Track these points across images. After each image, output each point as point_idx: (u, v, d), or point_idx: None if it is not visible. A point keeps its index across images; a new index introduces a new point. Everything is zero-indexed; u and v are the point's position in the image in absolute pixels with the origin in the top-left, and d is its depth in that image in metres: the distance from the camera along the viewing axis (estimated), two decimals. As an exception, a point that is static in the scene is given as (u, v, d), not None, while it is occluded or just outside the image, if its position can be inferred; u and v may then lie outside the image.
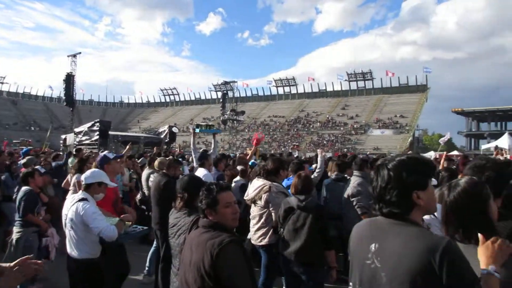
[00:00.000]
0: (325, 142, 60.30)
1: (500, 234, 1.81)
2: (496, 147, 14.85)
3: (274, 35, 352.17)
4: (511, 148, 26.85)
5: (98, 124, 21.36)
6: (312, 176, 6.26)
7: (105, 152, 5.12)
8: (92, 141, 21.05)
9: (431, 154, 17.13)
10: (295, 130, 69.37)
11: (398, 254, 1.59)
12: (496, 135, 52.57)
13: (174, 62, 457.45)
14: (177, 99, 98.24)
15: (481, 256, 1.68)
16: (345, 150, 50.24)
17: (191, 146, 8.72)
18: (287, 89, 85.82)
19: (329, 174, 7.62)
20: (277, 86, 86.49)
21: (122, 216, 4.18)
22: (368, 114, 68.48)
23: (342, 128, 65.71)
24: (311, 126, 69.75)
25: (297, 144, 24.89)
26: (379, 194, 1.73)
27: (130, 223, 4.27)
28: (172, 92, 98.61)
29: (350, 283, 1.80)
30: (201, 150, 8.52)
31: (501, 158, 9.62)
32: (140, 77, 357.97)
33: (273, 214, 4.61)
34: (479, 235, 1.73)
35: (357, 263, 1.77)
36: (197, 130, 12.77)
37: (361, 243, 1.77)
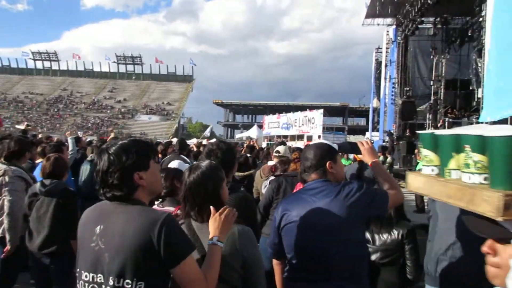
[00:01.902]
0: (90, 125, 57.24)
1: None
2: (248, 137, 17.24)
3: (34, 1, 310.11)
4: (258, 138, 31.77)
5: None
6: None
7: None
8: None
9: (193, 141, 18.57)
10: (56, 110, 63.38)
11: (120, 233, 1.61)
12: (248, 126, 60.73)
13: None
14: None
15: (210, 228, 1.82)
16: (111, 134, 48.88)
17: None
18: (47, 64, 77.14)
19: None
20: (35, 59, 76.74)
21: None
22: (136, 99, 68.25)
23: (109, 111, 63.65)
24: (74, 107, 65.02)
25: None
26: (102, 179, 1.70)
27: None
28: None
29: (77, 269, 1.74)
30: None
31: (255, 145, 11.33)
32: None
33: (5, 200, 4.09)
34: (211, 207, 1.87)
35: (83, 247, 1.74)
36: None
37: (87, 227, 1.74)
